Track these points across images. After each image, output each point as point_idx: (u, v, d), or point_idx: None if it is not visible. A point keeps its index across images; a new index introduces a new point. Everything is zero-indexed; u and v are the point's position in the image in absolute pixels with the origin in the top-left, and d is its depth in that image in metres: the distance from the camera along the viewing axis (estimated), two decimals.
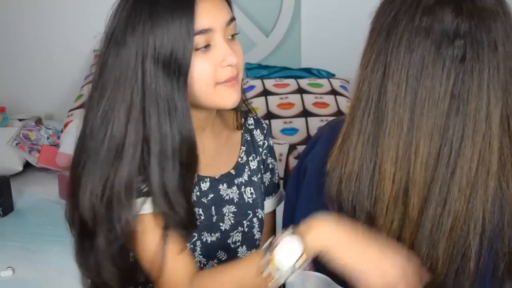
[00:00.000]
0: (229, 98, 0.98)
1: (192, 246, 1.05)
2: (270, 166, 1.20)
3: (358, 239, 0.81)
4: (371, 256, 0.80)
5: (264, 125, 1.20)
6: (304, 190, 1.00)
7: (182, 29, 0.90)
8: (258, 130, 1.18)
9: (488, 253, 0.84)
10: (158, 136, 0.92)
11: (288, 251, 0.80)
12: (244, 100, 1.11)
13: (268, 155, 1.19)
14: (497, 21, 0.82)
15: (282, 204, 1.27)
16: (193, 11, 0.90)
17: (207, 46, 0.94)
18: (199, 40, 0.92)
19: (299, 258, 0.79)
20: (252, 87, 2.82)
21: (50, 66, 3.23)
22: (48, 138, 2.77)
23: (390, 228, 0.85)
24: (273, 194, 1.22)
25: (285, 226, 0.92)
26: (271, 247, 0.82)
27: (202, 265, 1.07)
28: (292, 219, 1.02)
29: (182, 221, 0.95)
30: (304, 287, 1.01)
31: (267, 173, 1.20)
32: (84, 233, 0.98)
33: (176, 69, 0.91)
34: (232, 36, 0.98)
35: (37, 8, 3.18)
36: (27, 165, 2.67)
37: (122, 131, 0.92)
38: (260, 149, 1.17)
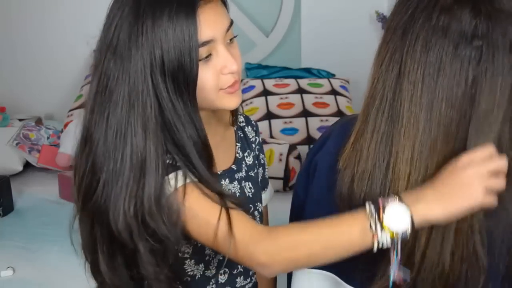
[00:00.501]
0: (231, 102, 1.00)
1: None
2: (262, 161, 1.24)
3: (444, 189, 0.82)
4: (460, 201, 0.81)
5: (253, 122, 1.24)
6: (314, 187, 1.00)
7: (186, 43, 0.90)
8: (249, 127, 1.22)
9: (499, 255, 0.84)
10: (190, 143, 0.94)
11: (397, 217, 0.80)
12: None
13: (260, 151, 1.23)
14: None
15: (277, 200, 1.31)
16: (196, 24, 0.90)
17: (208, 56, 0.94)
18: (202, 51, 0.92)
19: (408, 227, 0.81)
20: (252, 87, 2.82)
21: (50, 66, 3.23)
22: (48, 138, 2.78)
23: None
24: (265, 189, 1.26)
25: (295, 219, 0.91)
26: (376, 211, 0.82)
27: (210, 258, 1.08)
28: (301, 216, 1.02)
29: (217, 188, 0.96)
30: (311, 285, 1.02)
31: (260, 168, 1.23)
32: (115, 251, 0.98)
33: (185, 82, 0.92)
34: (231, 39, 0.99)
35: (38, 8, 3.18)
36: (27, 165, 2.68)
37: (142, 147, 0.91)
38: (253, 145, 1.21)
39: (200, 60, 0.92)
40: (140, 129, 0.91)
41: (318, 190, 0.99)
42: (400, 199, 0.81)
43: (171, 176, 0.92)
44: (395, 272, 0.82)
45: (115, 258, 0.99)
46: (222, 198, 0.92)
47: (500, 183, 0.80)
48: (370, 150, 0.87)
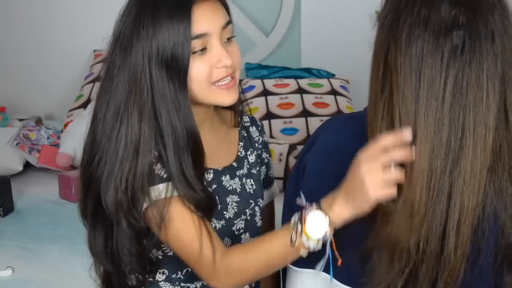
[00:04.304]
0: (225, 99, 1.05)
1: None
2: (266, 160, 1.28)
3: (348, 191, 0.89)
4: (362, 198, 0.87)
5: (259, 123, 1.29)
6: (304, 187, 1.00)
7: (180, 34, 0.98)
8: (253, 127, 1.26)
9: (487, 245, 0.85)
10: (170, 130, 1.00)
11: (316, 224, 0.90)
12: (242, 101, 1.19)
13: (263, 150, 1.27)
14: (494, 13, 0.83)
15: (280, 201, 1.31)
16: (190, 18, 0.98)
17: (203, 50, 1.01)
18: (196, 44, 0.99)
19: (326, 231, 0.90)
20: (252, 87, 2.82)
21: (50, 66, 3.23)
22: (48, 138, 2.78)
23: (402, 222, 0.85)
24: (269, 187, 1.30)
25: (288, 218, 0.95)
26: (299, 221, 0.92)
27: None
28: (292, 215, 1.02)
29: (203, 201, 1.02)
30: (302, 283, 1.02)
31: (263, 167, 1.27)
32: (97, 222, 1.06)
33: (177, 71, 0.99)
34: (229, 39, 1.05)
35: (37, 8, 3.18)
36: (27, 165, 2.68)
37: (137, 129, 0.99)
38: (256, 144, 1.25)
39: (194, 52, 1.00)
40: (136, 113, 0.99)
41: (307, 190, 0.99)
42: (319, 207, 0.90)
43: (163, 185, 1.00)
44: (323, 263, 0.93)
45: (96, 228, 1.07)
46: (196, 213, 1.00)
47: (395, 175, 0.83)
48: None
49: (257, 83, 2.84)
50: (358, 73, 2.93)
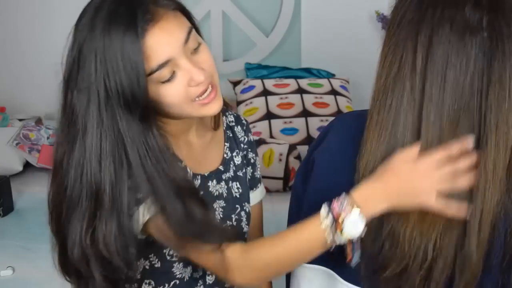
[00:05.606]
0: (210, 110, 1.00)
1: None
2: (252, 160, 1.23)
3: (395, 189, 0.87)
4: (410, 192, 0.86)
5: (244, 121, 1.23)
6: (312, 183, 1.00)
7: (134, 71, 0.90)
8: (238, 126, 1.21)
9: (497, 244, 0.86)
10: (145, 177, 0.93)
11: (354, 221, 0.87)
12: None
13: (249, 150, 1.22)
14: None
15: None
16: (141, 52, 0.90)
17: (173, 73, 0.94)
18: (163, 73, 0.93)
19: (362, 227, 0.88)
20: (252, 87, 2.82)
21: (50, 66, 3.23)
22: (48, 138, 2.78)
23: (409, 219, 0.86)
24: (255, 188, 1.25)
25: (294, 215, 0.94)
26: (333, 218, 0.88)
27: None
28: (299, 212, 1.02)
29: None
30: (307, 279, 1.02)
31: (249, 167, 1.23)
32: (80, 278, 1.02)
33: (138, 110, 0.92)
34: (196, 48, 0.97)
35: (37, 8, 3.18)
36: (27, 165, 2.68)
37: (97, 180, 0.93)
38: (242, 145, 1.20)
39: (163, 82, 0.93)
40: (96, 163, 0.92)
41: (316, 185, 0.99)
42: (353, 202, 0.86)
43: (141, 208, 0.95)
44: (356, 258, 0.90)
45: (80, 284, 1.03)
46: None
47: (459, 183, 0.83)
48: (373, 144, 0.88)
49: (257, 83, 2.84)
50: (358, 73, 2.91)
